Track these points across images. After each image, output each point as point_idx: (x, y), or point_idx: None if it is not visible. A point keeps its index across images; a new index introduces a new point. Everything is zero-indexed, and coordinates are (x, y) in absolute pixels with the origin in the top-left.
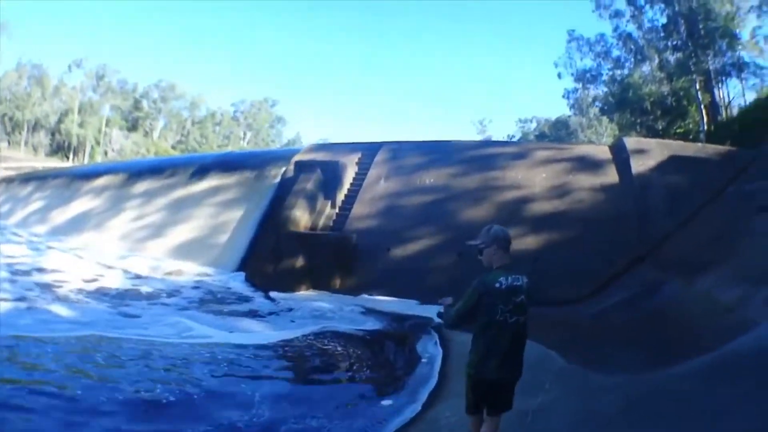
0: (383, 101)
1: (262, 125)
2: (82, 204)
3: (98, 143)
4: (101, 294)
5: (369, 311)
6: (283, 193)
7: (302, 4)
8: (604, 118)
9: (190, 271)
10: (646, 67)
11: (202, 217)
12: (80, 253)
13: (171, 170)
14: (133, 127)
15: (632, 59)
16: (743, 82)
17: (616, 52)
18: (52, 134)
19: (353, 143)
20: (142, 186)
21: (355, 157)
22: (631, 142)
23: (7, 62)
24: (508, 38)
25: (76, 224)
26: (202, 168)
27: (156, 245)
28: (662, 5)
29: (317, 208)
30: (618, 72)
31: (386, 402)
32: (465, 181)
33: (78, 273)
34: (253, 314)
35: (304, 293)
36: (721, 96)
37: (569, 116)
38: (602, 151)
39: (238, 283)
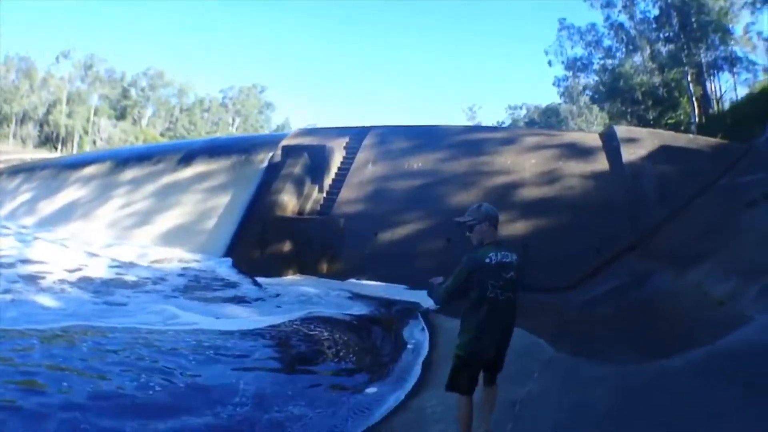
0: (373, 88)
1: (251, 111)
2: (69, 194)
3: (86, 133)
4: (87, 283)
5: (356, 296)
6: (270, 177)
7: None
8: (595, 107)
9: (176, 257)
10: (637, 58)
11: (189, 204)
12: (67, 243)
13: (158, 157)
14: (121, 115)
15: (623, 49)
16: (735, 76)
17: (607, 42)
18: (41, 126)
19: (341, 128)
20: (129, 174)
21: (343, 142)
22: (622, 130)
23: None
24: (499, 25)
25: (64, 214)
26: (189, 154)
27: (143, 233)
28: None
29: (304, 192)
30: (609, 61)
31: (371, 390)
32: (453, 166)
33: (64, 263)
34: (239, 300)
35: (291, 278)
36: (713, 89)
37: (559, 104)
38: (592, 139)
39: (224, 269)
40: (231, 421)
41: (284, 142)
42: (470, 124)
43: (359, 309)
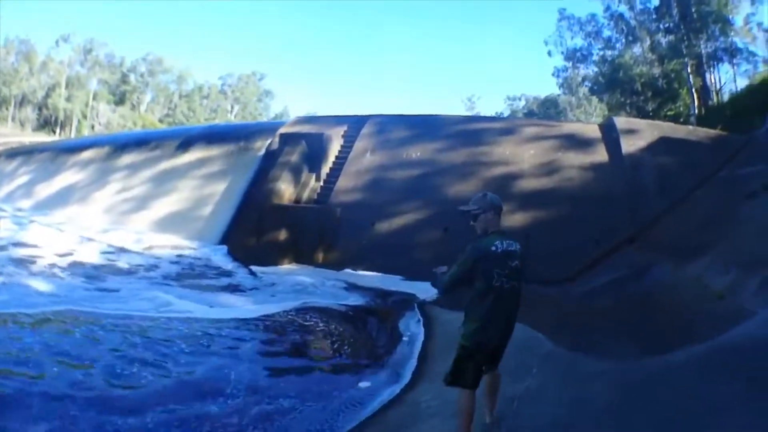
0: (372, 77)
1: (250, 99)
2: (67, 177)
3: (85, 117)
4: (80, 268)
5: (352, 286)
6: (267, 165)
7: None
8: (594, 98)
9: (172, 244)
10: (637, 48)
11: (186, 190)
12: (63, 227)
13: (156, 143)
14: (120, 100)
15: (623, 40)
16: (735, 67)
17: (607, 33)
18: (39, 109)
19: (339, 116)
20: (127, 159)
21: (341, 130)
22: (622, 121)
23: None
24: (498, 16)
25: (61, 198)
26: (187, 140)
27: (140, 218)
28: None
29: (301, 180)
30: (609, 52)
31: (364, 383)
32: (452, 156)
33: (57, 247)
34: (234, 288)
35: (286, 267)
36: (713, 80)
37: (558, 95)
38: (592, 130)
39: (220, 257)
40: (221, 412)
41: (282, 130)
42: (469, 114)
43: (355, 299)
